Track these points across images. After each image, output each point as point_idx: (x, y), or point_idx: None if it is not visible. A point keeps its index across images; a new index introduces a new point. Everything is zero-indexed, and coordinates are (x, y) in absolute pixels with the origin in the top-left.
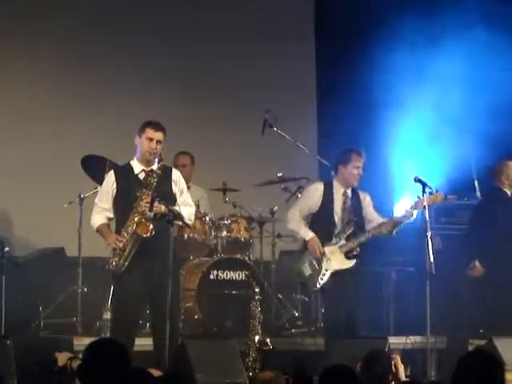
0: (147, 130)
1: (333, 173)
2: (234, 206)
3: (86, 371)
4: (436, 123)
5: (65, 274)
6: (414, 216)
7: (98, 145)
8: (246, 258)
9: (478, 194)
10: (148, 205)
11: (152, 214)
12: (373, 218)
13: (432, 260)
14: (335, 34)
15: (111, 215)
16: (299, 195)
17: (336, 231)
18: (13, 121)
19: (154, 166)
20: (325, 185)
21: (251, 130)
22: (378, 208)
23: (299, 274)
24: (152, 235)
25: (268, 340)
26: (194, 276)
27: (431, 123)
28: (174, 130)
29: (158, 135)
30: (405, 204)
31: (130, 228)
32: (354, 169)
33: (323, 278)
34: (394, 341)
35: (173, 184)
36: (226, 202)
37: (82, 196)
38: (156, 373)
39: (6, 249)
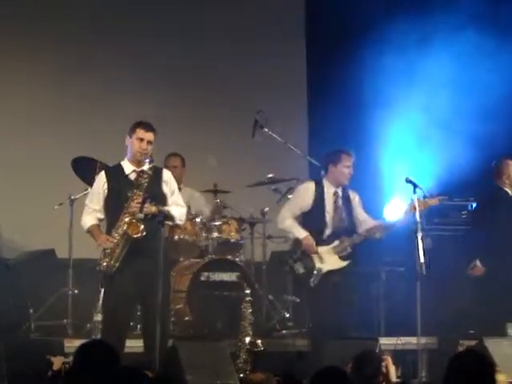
0: (138, 130)
1: (323, 172)
2: (225, 207)
3: (77, 373)
4: (425, 124)
5: (55, 275)
6: (407, 220)
7: (88, 146)
8: (237, 259)
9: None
10: (139, 205)
11: (143, 214)
12: (363, 218)
13: (423, 260)
14: (326, 35)
15: (102, 216)
16: (290, 196)
17: (327, 231)
18: (1, 123)
19: (145, 167)
20: (315, 184)
21: (242, 131)
22: (369, 208)
23: (291, 272)
24: (143, 236)
25: (259, 341)
26: (185, 277)
27: (421, 124)
28: (165, 131)
29: (149, 135)
30: (395, 205)
31: (120, 229)
32: (344, 168)
33: (315, 277)
34: (385, 342)
35: (164, 184)
36: (216, 203)
37: (73, 197)
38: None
39: None
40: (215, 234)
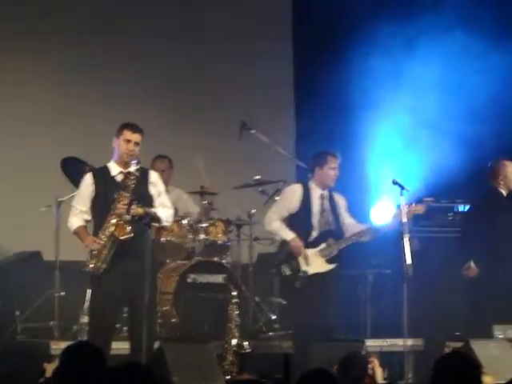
0: (125, 131)
1: (310, 175)
2: (212, 209)
3: (63, 375)
4: (413, 126)
5: (42, 277)
6: (395, 224)
7: (74, 148)
8: (224, 261)
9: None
10: (126, 207)
11: (130, 216)
12: (349, 222)
13: (409, 262)
14: (313, 36)
15: (88, 217)
16: (277, 198)
17: (314, 233)
18: None
19: (132, 168)
20: (302, 187)
21: (228, 132)
22: (356, 210)
23: (278, 273)
24: (130, 237)
25: (245, 343)
26: (171, 279)
27: (408, 126)
28: (152, 133)
29: (136, 137)
30: (382, 207)
31: (107, 230)
32: (330, 170)
33: (301, 279)
34: (372, 343)
35: (150, 186)
36: (203, 205)
37: (59, 200)
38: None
39: None
40: (202, 236)
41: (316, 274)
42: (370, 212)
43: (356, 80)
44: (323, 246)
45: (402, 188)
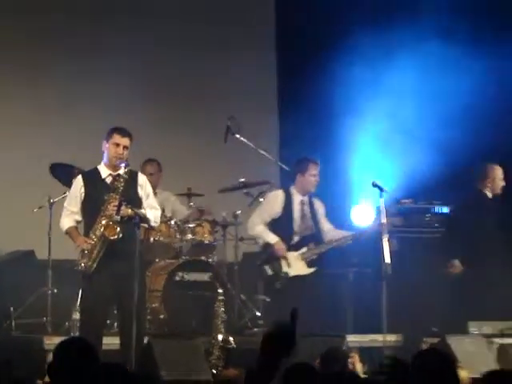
0: (114, 135)
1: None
2: (200, 210)
3: (57, 369)
4: (391, 132)
5: (35, 275)
6: (375, 229)
7: (67, 151)
8: (210, 260)
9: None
10: (115, 208)
11: (119, 217)
12: (327, 227)
13: (388, 261)
14: (296, 47)
15: (79, 218)
16: (261, 199)
17: (295, 237)
18: None
19: (121, 171)
20: (284, 192)
21: (215, 137)
22: (337, 213)
23: (261, 274)
24: (119, 238)
25: (231, 339)
26: (160, 277)
27: (386, 131)
28: (141, 137)
29: (125, 141)
30: (363, 209)
31: (98, 231)
32: (311, 177)
33: (281, 280)
34: (352, 339)
35: (139, 188)
36: (190, 206)
37: (52, 201)
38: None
39: None
40: (189, 236)
41: (296, 277)
42: (350, 214)
43: (337, 88)
44: (304, 249)
45: (381, 190)
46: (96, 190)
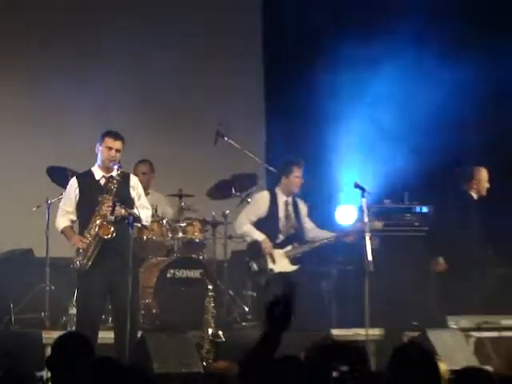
0: (107, 139)
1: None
2: (189, 210)
3: (55, 362)
4: (372, 136)
5: (33, 273)
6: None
7: (63, 153)
8: (201, 258)
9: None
10: (109, 209)
11: (113, 217)
12: (310, 227)
13: (370, 259)
14: (282, 55)
15: (74, 218)
16: (249, 200)
17: (280, 236)
18: None
19: (114, 173)
20: (269, 193)
21: (205, 140)
22: (322, 213)
23: (248, 269)
24: (113, 237)
25: (221, 333)
26: (153, 274)
27: (367, 136)
28: (135, 140)
29: (117, 144)
30: (346, 210)
31: (92, 230)
32: (295, 178)
33: (267, 276)
34: (336, 333)
35: (131, 189)
36: (181, 206)
37: (49, 201)
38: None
39: None
40: (180, 235)
41: (281, 273)
42: (334, 214)
43: (321, 95)
44: (289, 248)
45: (363, 191)
46: (90, 191)
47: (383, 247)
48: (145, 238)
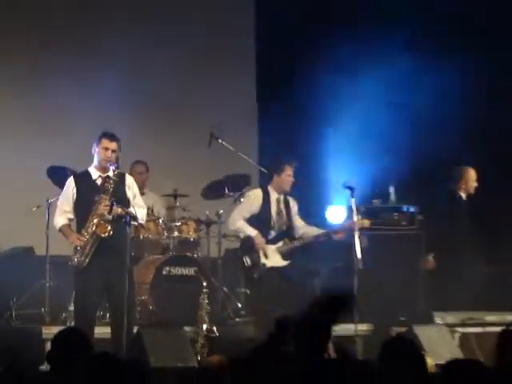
0: (103, 140)
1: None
2: (184, 210)
3: (55, 357)
4: (361, 137)
5: (34, 270)
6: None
7: (63, 154)
8: (195, 256)
9: (393, 198)
10: (107, 208)
11: (111, 216)
12: (300, 224)
13: (359, 256)
14: (274, 59)
15: (72, 216)
16: (242, 199)
17: (272, 232)
18: None
19: (110, 173)
20: (262, 191)
21: (200, 142)
22: (313, 212)
23: (241, 264)
24: (110, 235)
25: (215, 328)
26: (149, 271)
27: (357, 137)
28: (132, 142)
29: (113, 145)
30: (336, 209)
31: (89, 228)
32: (287, 177)
33: (259, 271)
34: None
35: (126, 189)
36: (176, 206)
37: (49, 201)
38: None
39: None
40: (176, 234)
41: (273, 268)
42: (325, 214)
43: (311, 97)
44: (281, 243)
45: (353, 191)
46: (87, 191)
47: (372, 245)
48: (141, 236)
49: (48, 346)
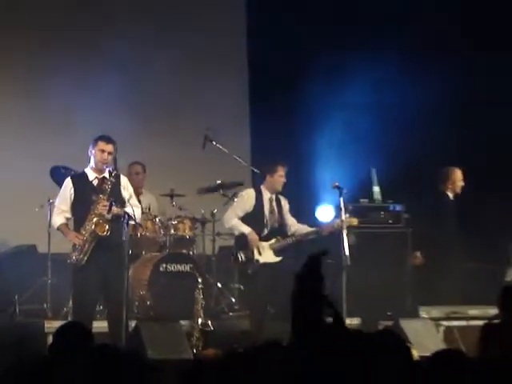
0: (99, 142)
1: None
2: (180, 209)
3: (57, 349)
4: (349, 140)
5: (36, 267)
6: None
7: (65, 155)
8: (191, 253)
9: (379, 197)
10: (105, 208)
11: (110, 215)
12: (291, 222)
13: (347, 253)
14: (265, 66)
15: (69, 215)
16: (235, 199)
17: (265, 230)
18: None
19: (106, 174)
20: (255, 191)
21: (194, 144)
22: (302, 211)
23: (235, 260)
24: (107, 234)
25: (209, 322)
26: (147, 268)
27: (345, 140)
28: (130, 144)
29: (109, 147)
30: (325, 208)
31: (88, 227)
32: (279, 177)
33: (253, 266)
34: None
35: (122, 189)
36: (173, 205)
37: (51, 201)
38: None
39: None
40: (172, 232)
41: (266, 264)
42: (315, 213)
43: (301, 102)
44: (273, 240)
45: (341, 190)
46: (84, 191)
47: (359, 243)
48: (139, 234)
49: (50, 339)
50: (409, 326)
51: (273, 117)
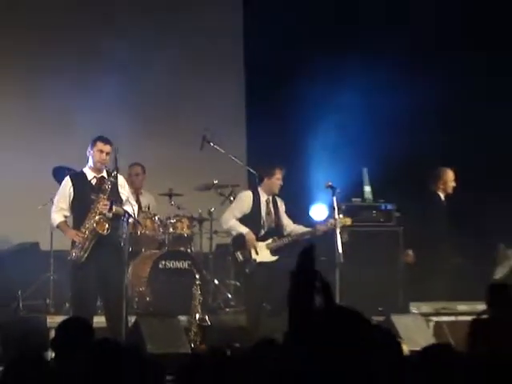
0: (98, 143)
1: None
2: (178, 208)
3: (59, 343)
4: (342, 142)
5: (39, 263)
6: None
7: (66, 155)
8: (189, 250)
9: (370, 197)
10: (106, 207)
11: (111, 214)
12: (287, 222)
13: (340, 251)
14: (261, 68)
15: (68, 214)
16: (232, 198)
17: (262, 231)
18: None
19: (104, 174)
20: (253, 192)
21: (192, 144)
22: (298, 211)
23: (233, 259)
24: (108, 232)
25: (207, 317)
26: (146, 265)
27: (338, 142)
28: (130, 144)
29: (107, 148)
30: (319, 208)
31: (89, 225)
32: (277, 180)
33: (250, 266)
34: None
35: (120, 188)
36: (171, 204)
37: (53, 199)
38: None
39: None
40: (171, 230)
41: (263, 263)
42: (309, 213)
43: (297, 104)
44: (270, 240)
45: (334, 190)
46: (83, 190)
47: (352, 241)
48: (139, 232)
49: (52, 333)
50: (400, 322)
51: (268, 118)
